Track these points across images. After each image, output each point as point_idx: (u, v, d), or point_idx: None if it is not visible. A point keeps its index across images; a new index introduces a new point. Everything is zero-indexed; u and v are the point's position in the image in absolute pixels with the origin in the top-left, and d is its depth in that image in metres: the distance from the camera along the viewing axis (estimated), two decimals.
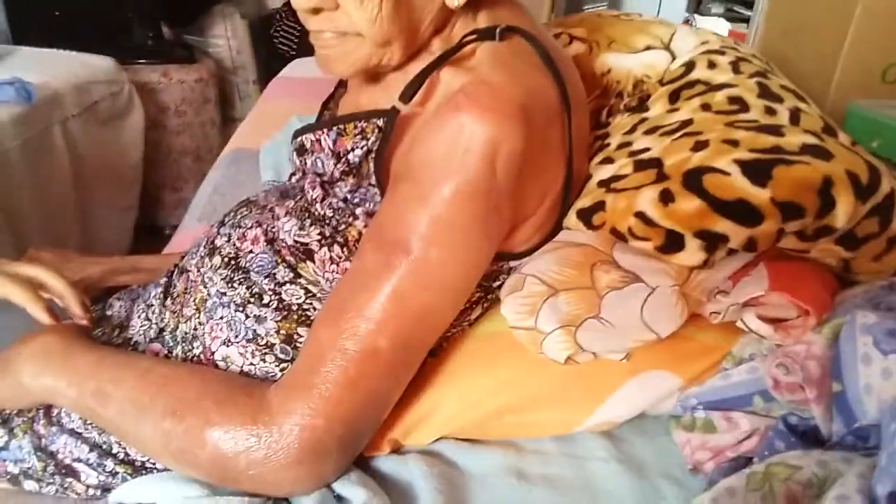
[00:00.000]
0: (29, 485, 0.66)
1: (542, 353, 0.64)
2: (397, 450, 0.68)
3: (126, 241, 2.00)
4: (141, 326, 0.73)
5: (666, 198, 0.62)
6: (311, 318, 0.63)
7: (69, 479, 0.65)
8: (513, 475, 0.63)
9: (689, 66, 0.79)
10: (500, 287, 0.68)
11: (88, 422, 0.65)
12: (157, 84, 2.10)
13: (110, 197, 1.89)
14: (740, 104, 0.70)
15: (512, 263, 0.67)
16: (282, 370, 0.64)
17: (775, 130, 0.64)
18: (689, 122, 0.70)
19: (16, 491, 0.67)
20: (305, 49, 2.36)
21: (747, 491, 0.50)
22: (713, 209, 0.60)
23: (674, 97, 0.77)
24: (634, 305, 0.63)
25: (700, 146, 0.65)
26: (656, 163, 0.66)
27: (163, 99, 2.12)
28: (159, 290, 0.74)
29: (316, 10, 0.59)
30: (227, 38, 2.42)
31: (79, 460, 0.65)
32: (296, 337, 0.63)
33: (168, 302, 0.72)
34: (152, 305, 0.73)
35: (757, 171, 0.60)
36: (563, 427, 0.68)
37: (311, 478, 0.57)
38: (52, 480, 0.66)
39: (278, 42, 2.62)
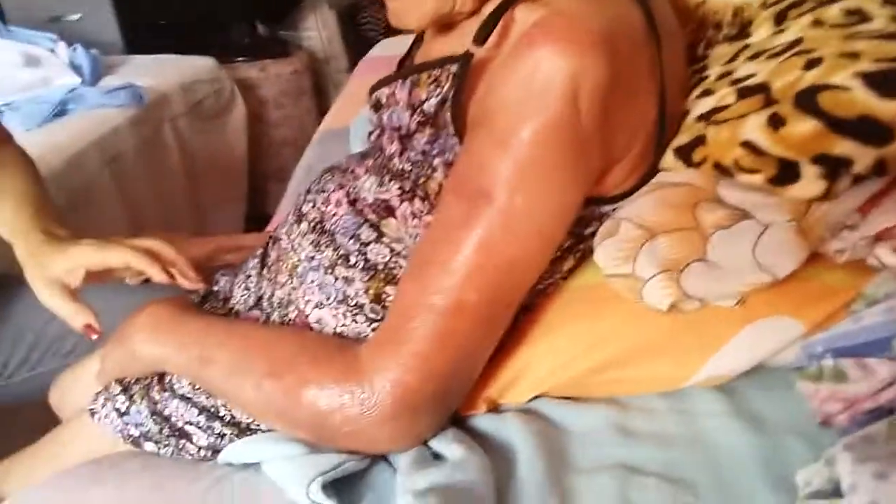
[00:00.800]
0: (148, 446, 0.70)
1: (642, 302, 0.60)
2: (494, 408, 0.66)
3: (237, 232, 2.10)
4: (241, 296, 0.75)
5: (776, 122, 0.56)
6: (398, 276, 0.62)
7: (182, 441, 0.68)
8: (617, 432, 0.59)
9: None
10: (592, 235, 0.64)
11: (197, 386, 0.68)
12: (255, 79, 2.19)
13: (219, 189, 2.00)
14: (860, 15, 0.62)
15: (604, 209, 0.63)
16: (373, 330, 0.63)
17: None
18: (798, 42, 0.63)
19: (138, 452, 0.71)
20: (392, 34, 2.38)
21: (889, 439, 0.44)
22: (832, 129, 0.53)
23: (780, 18, 0.69)
24: (745, 245, 0.57)
25: (813, 64, 0.57)
26: (763, 88, 0.60)
27: (262, 93, 2.21)
28: (256, 261, 0.77)
29: None
30: (318, 29, 2.48)
31: (190, 423, 0.68)
32: (384, 296, 0.63)
33: (264, 271, 0.74)
34: (250, 276, 0.76)
35: (883, 82, 0.52)
36: (671, 383, 0.63)
37: (405, 434, 0.56)
38: (168, 442, 0.69)
39: (366, 29, 2.66)
